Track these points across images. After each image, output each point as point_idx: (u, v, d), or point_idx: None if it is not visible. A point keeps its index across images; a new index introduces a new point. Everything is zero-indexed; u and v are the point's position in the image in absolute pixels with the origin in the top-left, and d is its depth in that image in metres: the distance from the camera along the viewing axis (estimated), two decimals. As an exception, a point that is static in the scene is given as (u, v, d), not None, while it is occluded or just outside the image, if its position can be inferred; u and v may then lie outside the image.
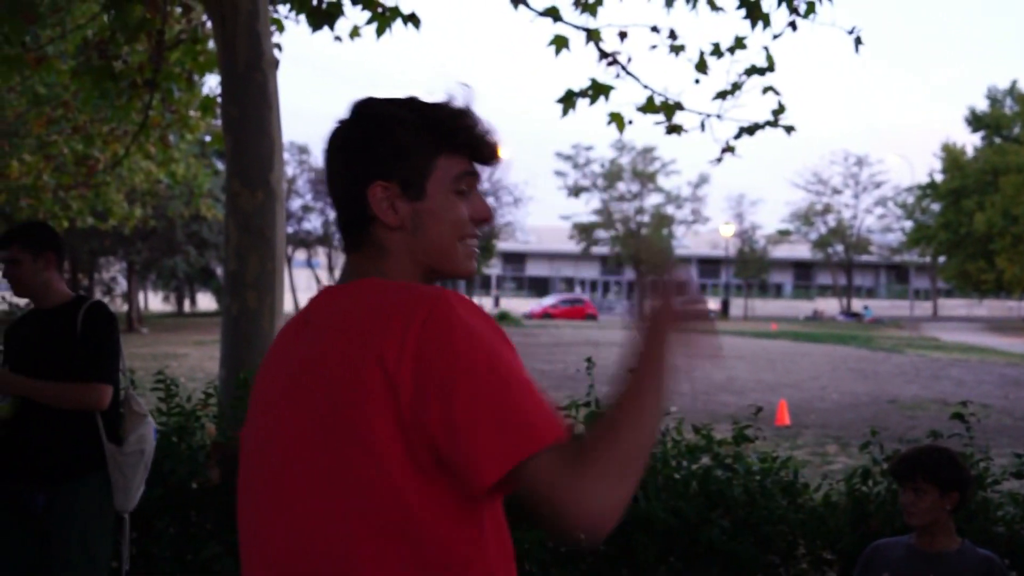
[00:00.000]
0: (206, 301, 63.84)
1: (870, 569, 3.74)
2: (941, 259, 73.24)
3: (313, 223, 53.17)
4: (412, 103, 1.85)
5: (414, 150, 1.81)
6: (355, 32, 8.08)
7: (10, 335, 4.31)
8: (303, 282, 57.57)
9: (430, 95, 1.87)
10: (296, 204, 51.70)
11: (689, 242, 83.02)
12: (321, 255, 56.31)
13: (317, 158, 52.16)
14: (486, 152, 1.87)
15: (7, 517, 4.11)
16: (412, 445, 1.62)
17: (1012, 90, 69.59)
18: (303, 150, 52.87)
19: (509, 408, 1.59)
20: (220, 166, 31.16)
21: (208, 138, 10.82)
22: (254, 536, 1.87)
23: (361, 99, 1.89)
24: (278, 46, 7.97)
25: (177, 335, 33.78)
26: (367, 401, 1.63)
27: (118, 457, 4.19)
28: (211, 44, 9.13)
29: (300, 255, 56.98)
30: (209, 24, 8.40)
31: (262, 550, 1.82)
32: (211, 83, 14.76)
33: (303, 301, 50.54)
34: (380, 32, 7.43)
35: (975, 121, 71.27)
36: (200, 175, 16.51)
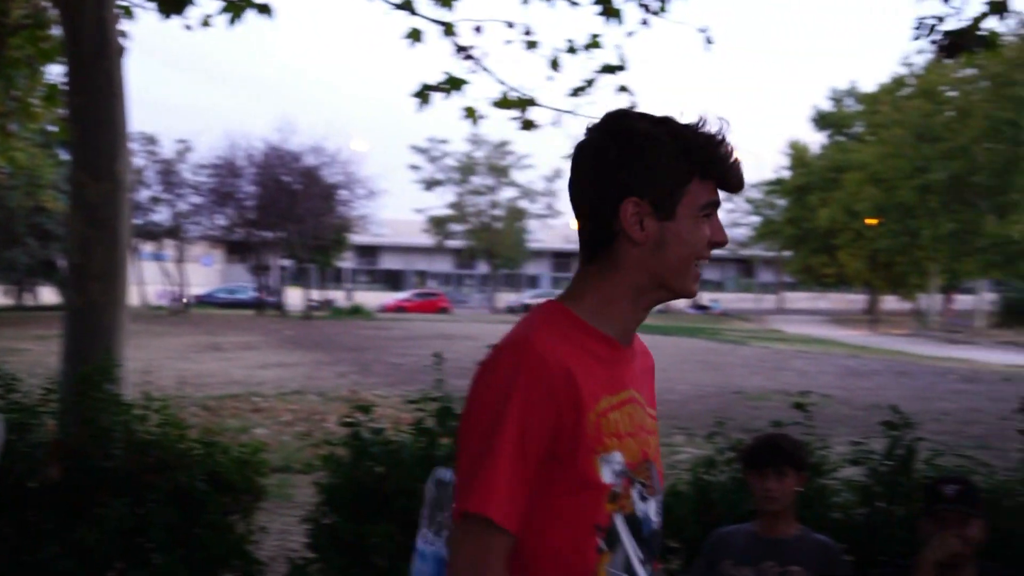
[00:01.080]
0: (49, 295, 61.83)
1: (713, 556, 3.84)
2: (787, 254, 75.38)
3: (162, 215, 51.86)
4: (669, 124, 1.90)
5: (670, 172, 1.88)
6: (206, 21, 7.93)
7: None
8: (151, 275, 56.16)
9: (684, 117, 1.92)
10: (144, 195, 50.32)
11: (543, 236, 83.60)
12: (170, 248, 54.95)
13: (166, 149, 50.99)
14: (734, 182, 1.93)
15: None
16: None
17: (851, 90, 71.98)
18: (151, 140, 51.43)
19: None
20: (65, 156, 30.19)
21: (54, 128, 10.48)
22: None
23: (615, 112, 1.96)
24: (124, 34, 7.76)
25: (17, 329, 32.65)
26: None
27: None
28: (56, 30, 8.86)
29: (148, 247, 55.52)
30: (53, 10, 8.15)
31: None
32: (56, 71, 14.34)
33: (151, 295, 49.03)
34: (232, 21, 7.32)
35: (820, 120, 73.49)
36: (43, 165, 15.98)
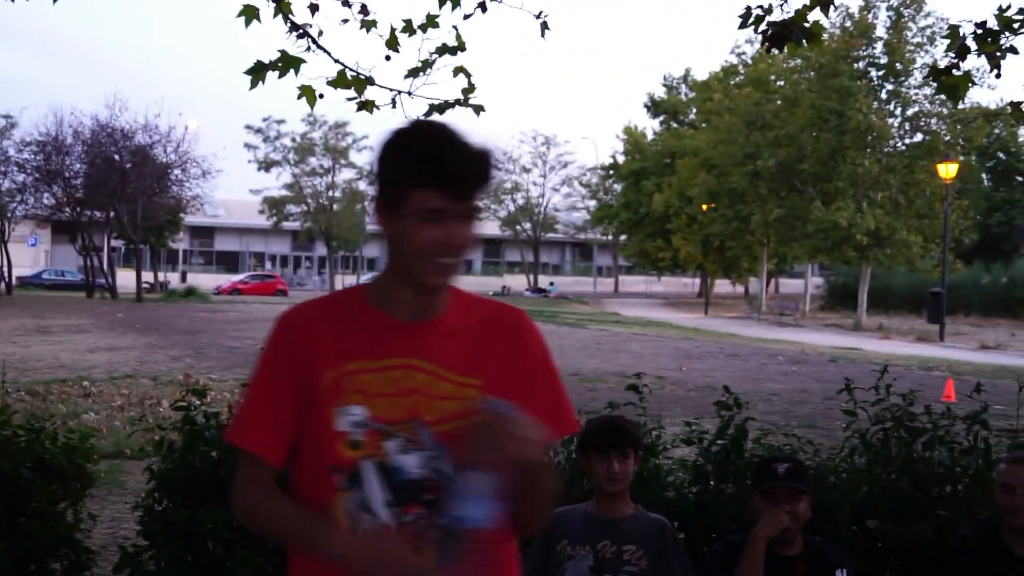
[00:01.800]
0: None
1: (550, 537, 3.86)
2: (623, 237, 76.70)
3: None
4: (410, 134, 2.18)
5: (396, 179, 2.14)
6: (29, -10, 7.62)
7: None
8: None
9: (465, 129, 2.16)
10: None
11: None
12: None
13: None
14: (461, 190, 2.12)
15: None
16: None
17: (686, 77, 73.56)
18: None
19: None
20: None
21: None
22: None
23: (400, 127, 2.21)
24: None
25: None
26: None
27: None
28: None
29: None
30: None
31: None
32: None
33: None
34: (56, -8, 7.03)
35: (654, 107, 74.92)
36: None
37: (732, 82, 56.45)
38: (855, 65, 45.85)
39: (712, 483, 4.88)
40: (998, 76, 5.77)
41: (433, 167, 2.10)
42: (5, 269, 51.15)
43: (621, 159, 73.52)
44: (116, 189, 47.18)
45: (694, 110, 68.59)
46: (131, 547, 5.12)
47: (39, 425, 5.51)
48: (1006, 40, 5.72)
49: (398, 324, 2.25)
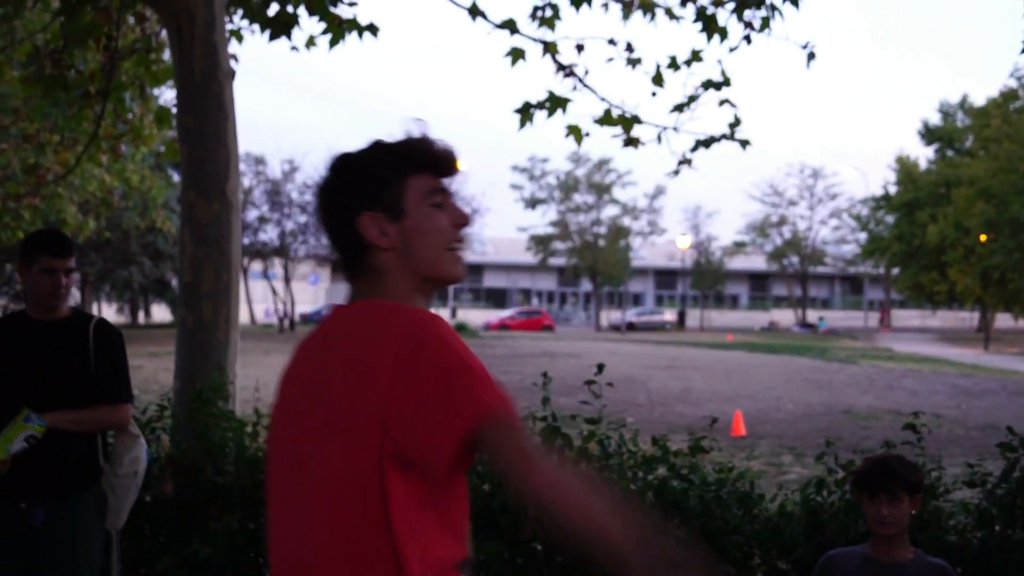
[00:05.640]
0: (161, 312, 63.33)
1: (825, 578, 3.77)
2: (895, 270, 73.96)
3: (269, 234, 52.83)
4: (377, 144, 2.17)
5: (386, 178, 2.12)
6: (311, 42, 8.07)
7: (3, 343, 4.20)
8: (259, 293, 57.17)
9: (390, 136, 2.19)
10: (252, 215, 51.34)
11: (646, 253, 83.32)
12: (277, 266, 55.96)
13: (273, 169, 52.09)
14: (446, 165, 2.16)
15: (2, 531, 4.05)
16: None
17: (963, 103, 70.52)
18: (259, 161, 52.53)
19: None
20: (176, 177, 30.95)
21: (162, 148, 10.76)
22: (273, 539, 2.14)
23: (335, 155, 2.20)
24: (234, 56, 7.93)
25: (131, 346, 33.30)
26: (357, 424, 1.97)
27: (112, 477, 4.21)
28: (166, 54, 9.06)
29: (256, 266, 56.62)
30: (163, 33, 8.34)
31: (277, 551, 2.11)
32: (167, 96, 14.62)
33: (259, 313, 50.19)
34: (334, 43, 7.43)
35: (928, 134, 72.16)
36: (155, 186, 16.40)
37: (1012, 107, 53.72)
38: None
39: (997, 528, 4.64)
40: None
41: (418, 152, 2.14)
42: (289, 306, 53.97)
43: (892, 189, 71.04)
44: (390, 228, 49.04)
45: (971, 137, 65.64)
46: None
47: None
48: None
49: None
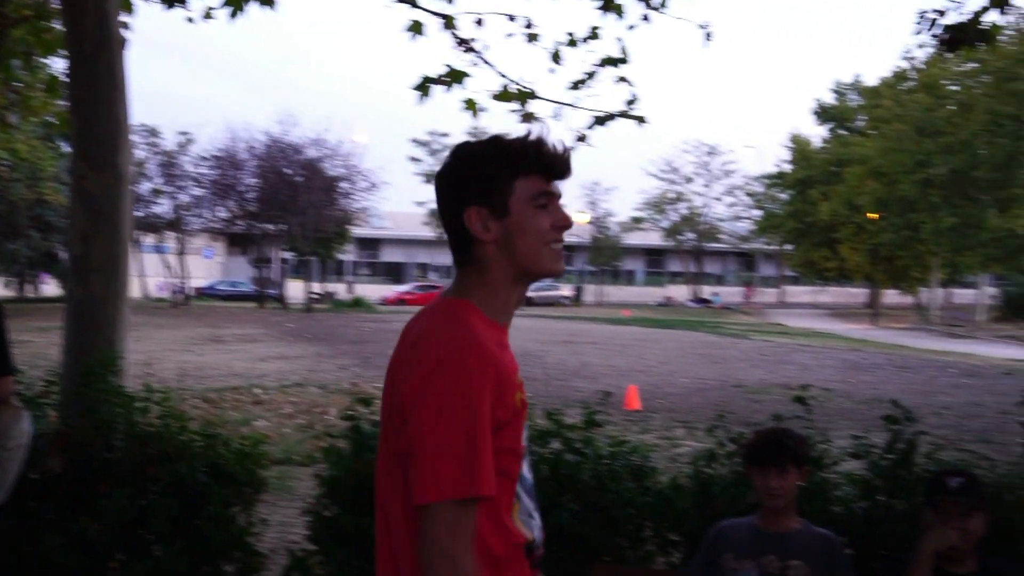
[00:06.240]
0: (50, 287, 61.86)
1: (714, 550, 3.84)
2: (788, 247, 75.35)
3: (163, 207, 51.88)
4: (494, 140, 2.29)
5: (494, 178, 2.23)
6: (208, 13, 7.93)
7: None
8: (152, 268, 56.17)
9: (511, 133, 2.30)
10: (146, 188, 50.35)
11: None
12: (171, 240, 54.97)
13: (168, 141, 50.98)
14: (557, 169, 2.28)
15: None
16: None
17: (855, 84, 71.91)
18: (153, 132, 51.45)
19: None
20: (66, 148, 30.21)
21: (52, 119, 10.49)
22: (377, 530, 2.29)
23: (458, 144, 2.33)
24: (125, 25, 7.76)
25: (19, 321, 32.67)
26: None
27: (1, 451, 4.11)
28: (57, 23, 8.84)
29: (149, 240, 55.59)
30: (55, 1, 8.13)
31: (382, 543, 2.27)
32: (57, 65, 14.30)
33: (152, 287, 49.11)
34: (234, 14, 7.32)
35: (822, 114, 73.47)
36: (44, 157, 15.99)
37: (903, 88, 54.92)
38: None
39: (881, 498, 4.77)
40: None
41: (531, 154, 2.24)
42: (182, 280, 53.13)
43: (787, 168, 72.27)
44: (287, 202, 48.52)
45: (863, 117, 66.99)
46: (300, 552, 5.26)
47: (214, 431, 5.70)
48: None
49: (505, 332, 2.34)
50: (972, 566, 3.71)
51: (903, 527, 4.46)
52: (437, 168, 2.41)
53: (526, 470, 2.32)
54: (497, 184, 2.24)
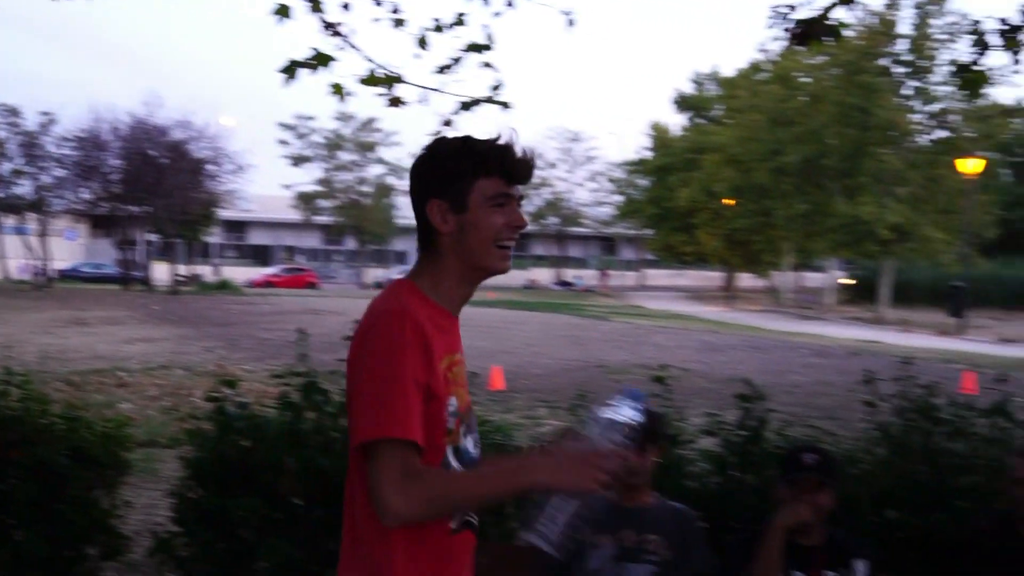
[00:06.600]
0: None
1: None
2: (648, 232, 76.51)
3: (25, 188, 50.31)
4: (465, 139, 2.45)
5: (459, 175, 2.40)
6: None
7: None
8: (13, 249, 54.46)
9: (483, 133, 2.44)
10: (6, 168, 48.79)
11: (409, 212, 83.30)
12: (32, 221, 53.28)
13: (29, 120, 49.42)
14: (519, 174, 2.43)
15: None
16: None
17: (714, 74, 73.30)
18: (13, 112, 49.74)
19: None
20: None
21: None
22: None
23: (434, 139, 2.51)
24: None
25: None
26: None
27: None
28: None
29: (10, 221, 53.86)
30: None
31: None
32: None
33: (13, 269, 47.56)
34: (93, -8, 7.17)
35: (681, 102, 74.71)
36: None
37: (758, 79, 56.19)
38: (879, 62, 45.59)
39: (734, 473, 4.95)
40: (1016, 63, 5.81)
41: (495, 157, 2.39)
42: (44, 262, 51.57)
43: (647, 154, 73.36)
44: (152, 184, 47.58)
45: (720, 107, 68.30)
46: (164, 533, 5.25)
47: (76, 414, 5.63)
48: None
49: (452, 319, 2.50)
50: (820, 538, 3.87)
51: (754, 500, 4.63)
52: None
53: (470, 445, 2.48)
54: (459, 181, 2.39)
